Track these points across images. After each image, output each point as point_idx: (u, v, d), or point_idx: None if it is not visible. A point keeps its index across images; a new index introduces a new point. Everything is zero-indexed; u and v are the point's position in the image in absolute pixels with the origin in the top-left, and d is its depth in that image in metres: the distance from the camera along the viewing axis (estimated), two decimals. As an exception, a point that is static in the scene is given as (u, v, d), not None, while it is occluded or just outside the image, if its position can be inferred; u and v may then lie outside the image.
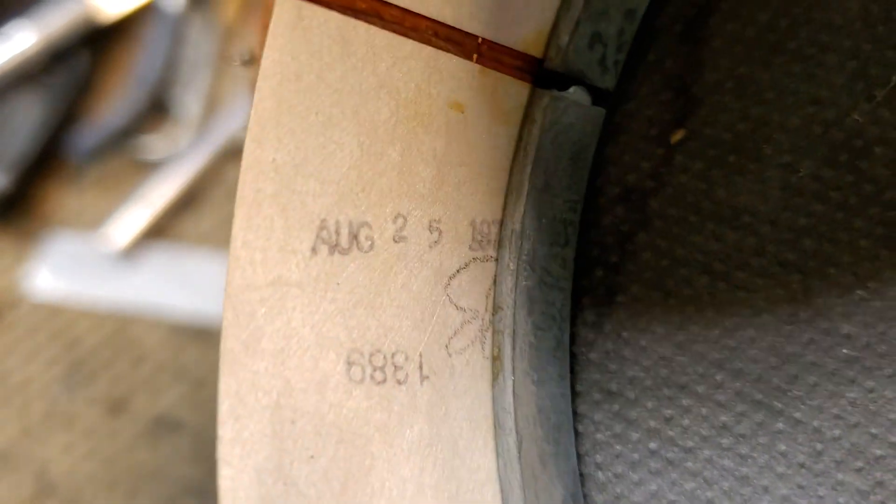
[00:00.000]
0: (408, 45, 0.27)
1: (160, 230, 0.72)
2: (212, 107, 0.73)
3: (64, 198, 0.74)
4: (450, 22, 0.27)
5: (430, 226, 0.28)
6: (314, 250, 0.26)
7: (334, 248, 0.26)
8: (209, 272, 0.69)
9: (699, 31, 0.30)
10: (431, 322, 0.28)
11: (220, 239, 0.70)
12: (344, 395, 0.26)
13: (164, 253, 0.71)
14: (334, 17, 0.26)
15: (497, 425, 0.29)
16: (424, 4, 0.27)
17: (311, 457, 0.25)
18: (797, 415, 0.28)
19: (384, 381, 0.27)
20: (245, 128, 0.26)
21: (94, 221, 0.73)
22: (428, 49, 0.27)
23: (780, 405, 0.28)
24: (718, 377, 0.29)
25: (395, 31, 0.27)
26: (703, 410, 0.29)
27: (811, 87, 0.28)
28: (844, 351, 0.28)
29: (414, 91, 0.27)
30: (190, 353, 0.68)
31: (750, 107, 0.29)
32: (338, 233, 0.26)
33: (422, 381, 0.28)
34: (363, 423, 0.27)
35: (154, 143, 0.73)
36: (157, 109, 0.74)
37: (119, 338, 0.70)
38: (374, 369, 0.27)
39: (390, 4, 0.26)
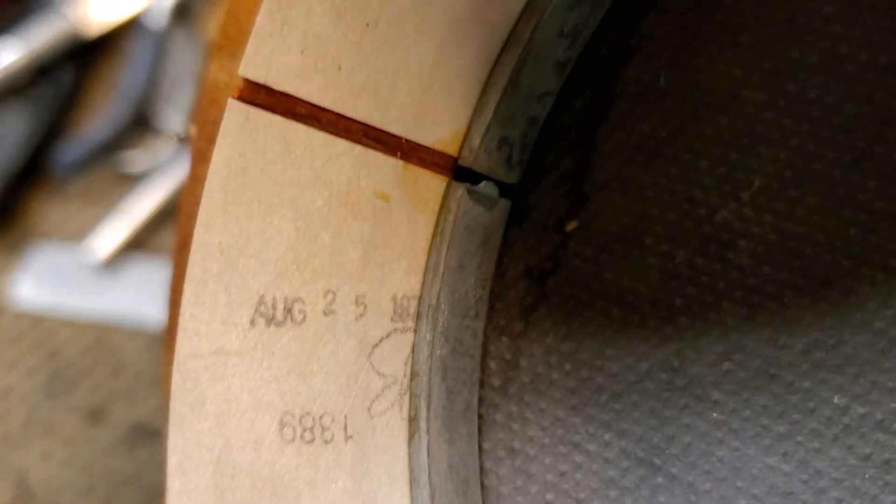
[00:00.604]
0: (341, 144, 0.31)
1: (141, 242, 0.74)
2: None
3: (47, 209, 0.76)
4: (377, 125, 0.31)
5: (357, 300, 0.32)
6: (252, 323, 0.29)
7: (270, 320, 0.30)
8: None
9: (590, 138, 0.35)
10: (356, 387, 0.32)
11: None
12: (277, 452, 0.30)
13: (145, 265, 0.73)
14: (277, 120, 0.29)
15: (412, 480, 0.32)
16: (356, 110, 0.31)
17: (248, 508, 0.29)
18: (674, 470, 0.32)
19: (313, 440, 0.31)
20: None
21: (77, 233, 0.74)
22: (358, 147, 0.31)
23: (659, 462, 0.33)
24: (606, 437, 0.33)
25: (329, 132, 0.30)
26: (594, 466, 0.33)
27: (685, 187, 0.33)
28: (714, 415, 0.32)
29: (345, 183, 0.31)
30: (168, 362, 0.69)
31: (633, 203, 0.34)
32: (274, 307, 0.30)
33: (346, 441, 0.31)
34: (294, 479, 0.30)
35: (136, 157, 0.76)
36: (139, 124, 0.76)
37: (99, 347, 0.71)
38: (304, 430, 0.30)
39: (326, 110, 0.30)
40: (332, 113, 0.30)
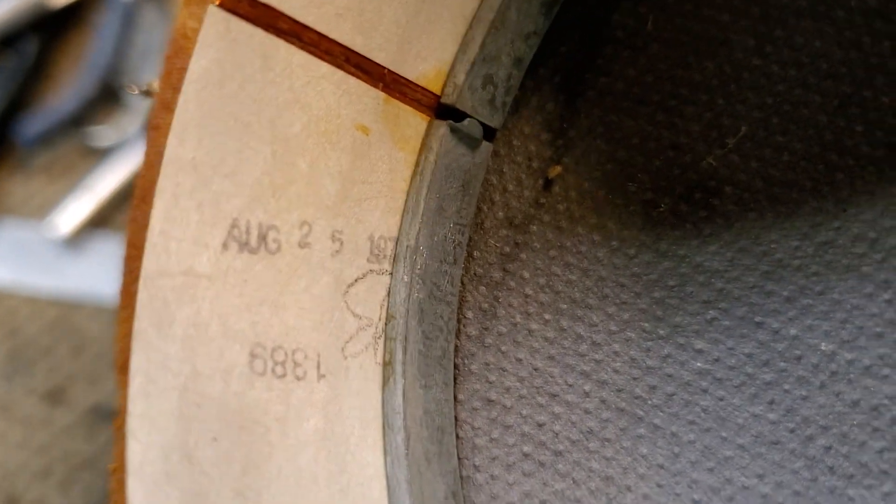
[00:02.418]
0: (322, 67, 0.29)
1: (106, 219, 0.71)
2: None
3: (10, 184, 0.73)
4: (360, 51, 0.30)
5: (333, 236, 0.30)
6: (225, 246, 0.28)
7: (244, 246, 0.28)
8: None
9: (575, 83, 0.34)
10: (330, 325, 0.30)
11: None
12: (247, 384, 0.28)
13: (109, 242, 0.71)
14: (258, 33, 0.28)
15: (386, 425, 0.31)
16: (339, 31, 0.30)
17: (215, 439, 0.27)
18: (656, 421, 0.31)
19: (284, 375, 0.29)
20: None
21: (40, 209, 0.72)
22: (340, 73, 0.30)
23: (641, 412, 0.32)
24: (586, 387, 0.32)
25: (311, 53, 0.29)
26: (573, 417, 0.32)
27: (671, 133, 0.33)
28: (698, 364, 0.31)
29: (325, 110, 0.30)
30: (130, 342, 0.67)
31: (617, 150, 0.33)
32: (248, 232, 0.28)
33: (319, 380, 0.30)
34: (263, 413, 0.28)
35: (103, 131, 0.73)
36: (106, 97, 0.74)
37: (60, 326, 0.69)
38: (276, 364, 0.29)
39: (309, 28, 0.29)
40: (315, 32, 0.29)
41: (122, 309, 0.32)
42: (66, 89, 0.74)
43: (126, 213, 0.71)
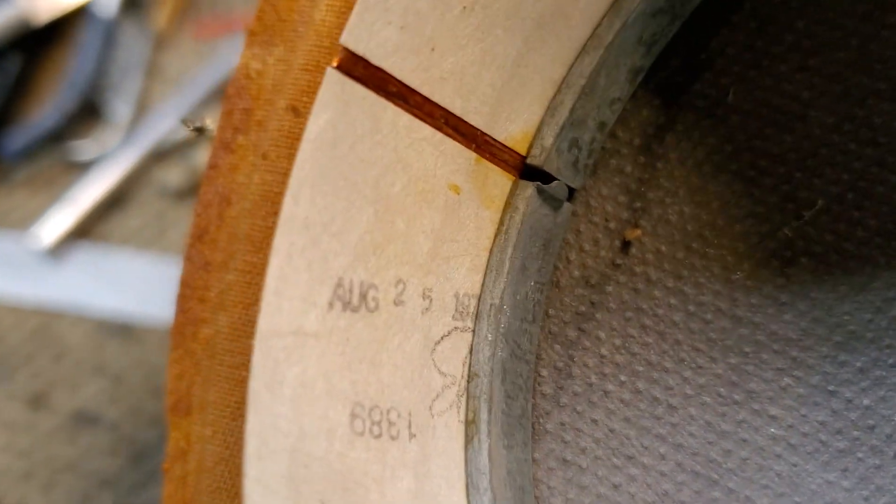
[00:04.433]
0: (425, 129, 0.30)
1: (87, 230, 0.73)
2: (141, 111, 0.75)
3: None
4: (458, 113, 0.31)
5: (424, 293, 0.31)
6: (331, 305, 0.28)
7: (347, 305, 0.28)
8: (133, 271, 0.71)
9: (656, 147, 0.35)
10: (419, 383, 0.30)
11: (144, 239, 0.72)
12: (348, 445, 0.28)
13: (91, 252, 0.72)
14: (370, 95, 0.28)
15: (470, 485, 0.31)
16: (441, 95, 0.30)
17: (321, 501, 0.27)
18: (731, 484, 0.32)
19: (380, 435, 0.29)
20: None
21: (23, 221, 0.73)
22: (439, 135, 0.30)
23: (715, 476, 0.32)
24: (662, 450, 0.33)
25: (415, 115, 0.29)
26: (648, 479, 0.33)
27: (749, 203, 0.34)
28: (772, 430, 0.32)
29: (423, 170, 0.30)
30: (111, 349, 0.69)
31: (698, 214, 0.34)
32: (351, 291, 0.28)
33: (410, 439, 0.30)
34: (363, 474, 0.28)
35: (84, 145, 0.74)
36: (87, 112, 0.75)
37: (42, 334, 0.70)
38: (373, 423, 0.29)
39: (415, 91, 0.29)
40: (420, 95, 0.29)
41: (173, 349, 0.32)
42: (48, 104, 0.76)
43: (107, 223, 0.71)
